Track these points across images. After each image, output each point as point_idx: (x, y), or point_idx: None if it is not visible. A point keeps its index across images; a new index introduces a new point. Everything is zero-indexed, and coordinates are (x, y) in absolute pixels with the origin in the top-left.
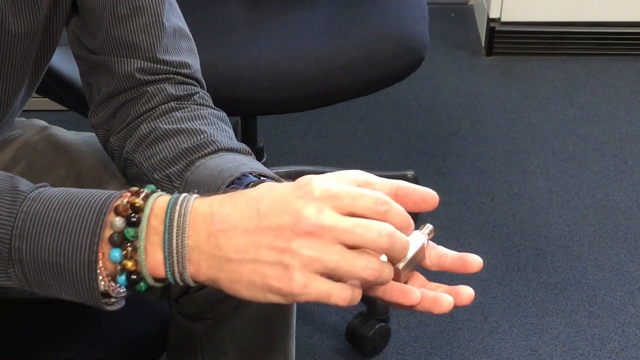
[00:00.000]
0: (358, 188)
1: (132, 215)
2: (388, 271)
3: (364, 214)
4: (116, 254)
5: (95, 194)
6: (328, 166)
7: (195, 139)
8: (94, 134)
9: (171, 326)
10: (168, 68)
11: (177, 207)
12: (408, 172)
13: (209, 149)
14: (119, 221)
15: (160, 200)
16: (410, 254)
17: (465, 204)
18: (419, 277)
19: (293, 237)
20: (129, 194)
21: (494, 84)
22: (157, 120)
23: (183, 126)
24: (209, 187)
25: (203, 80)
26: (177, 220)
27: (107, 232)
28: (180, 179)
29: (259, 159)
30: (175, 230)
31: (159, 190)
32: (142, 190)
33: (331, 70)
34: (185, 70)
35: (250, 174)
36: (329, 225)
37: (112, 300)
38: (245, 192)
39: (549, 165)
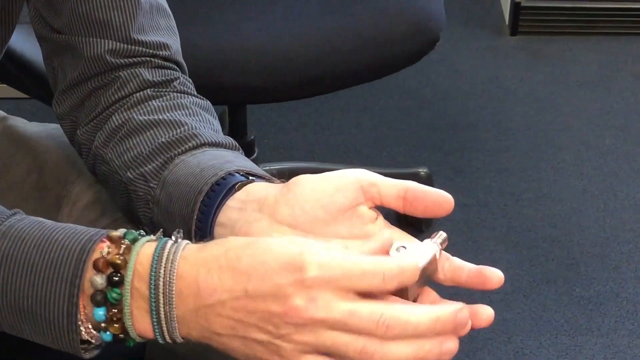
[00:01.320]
0: (363, 260)
1: (114, 273)
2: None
3: (368, 292)
4: (100, 312)
5: (73, 234)
6: (328, 163)
7: (175, 132)
8: (58, 126)
9: (149, 347)
10: (144, 49)
11: (162, 272)
12: (420, 170)
13: (190, 144)
14: (99, 280)
15: (142, 257)
16: (422, 262)
17: (486, 206)
18: (431, 294)
19: (282, 324)
20: (107, 241)
21: (520, 68)
22: (131, 111)
23: (161, 117)
24: (189, 188)
25: (184, 64)
26: (163, 289)
27: (88, 284)
28: (157, 178)
29: (248, 154)
30: (162, 299)
31: (140, 232)
32: (122, 238)
33: (331, 53)
34: (164, 52)
35: (237, 172)
36: (320, 318)
37: (92, 346)
38: (231, 257)
39: (583, 161)
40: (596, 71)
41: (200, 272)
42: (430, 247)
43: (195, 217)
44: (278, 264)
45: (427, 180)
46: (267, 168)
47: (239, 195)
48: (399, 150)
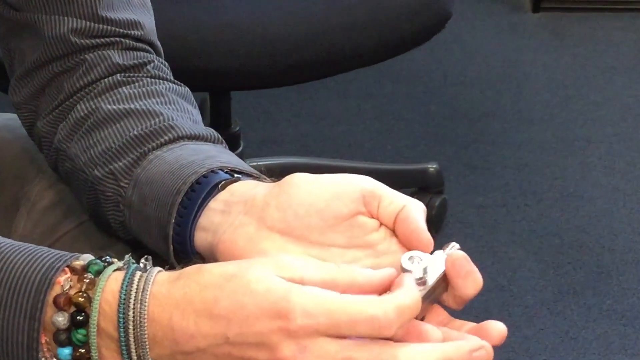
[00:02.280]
0: (354, 306)
1: (77, 312)
2: None
3: (362, 337)
4: (65, 352)
5: (32, 259)
6: (324, 158)
7: (149, 124)
8: (15, 116)
9: None
10: (113, 29)
11: (131, 314)
12: (429, 166)
13: (166, 137)
14: (61, 319)
15: (108, 295)
16: (430, 281)
17: (504, 207)
18: (441, 313)
19: None
20: (68, 272)
21: (543, 50)
22: (99, 99)
23: (132, 106)
24: (165, 188)
25: (159, 45)
26: (134, 332)
27: (49, 321)
28: (128, 176)
29: (233, 147)
30: (133, 343)
31: (105, 259)
32: (84, 270)
33: (328, 32)
34: (136, 32)
35: (221, 169)
36: None
37: None
38: (207, 299)
39: (615, 157)
40: (630, 53)
41: (174, 316)
42: (442, 260)
43: (173, 220)
44: (259, 309)
45: (437, 178)
46: (254, 164)
47: (223, 195)
48: (405, 143)
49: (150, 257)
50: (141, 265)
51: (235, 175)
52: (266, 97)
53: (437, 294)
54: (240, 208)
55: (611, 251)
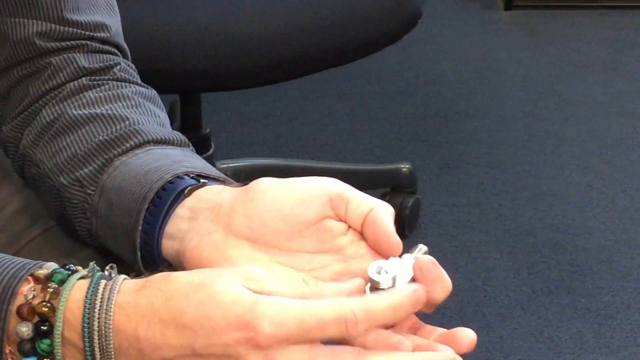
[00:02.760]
0: (323, 309)
1: (41, 322)
2: None
3: (332, 340)
4: None
5: None
6: (296, 159)
7: (114, 129)
8: None
9: None
10: (79, 31)
11: (96, 324)
12: (402, 166)
13: (132, 142)
14: (25, 329)
15: (73, 304)
16: (398, 285)
17: (478, 207)
18: (411, 318)
19: None
20: (32, 282)
21: (515, 48)
22: (64, 103)
23: (98, 111)
24: (132, 195)
25: (126, 47)
26: (99, 342)
27: (13, 331)
28: (94, 183)
29: (204, 150)
30: (98, 353)
31: (69, 267)
32: (48, 279)
33: (299, 32)
34: (102, 34)
35: (187, 175)
36: None
37: None
38: (173, 309)
39: (588, 155)
40: (603, 50)
41: (140, 326)
42: (410, 264)
43: (140, 228)
44: (226, 320)
45: (410, 177)
46: (225, 165)
47: (189, 201)
48: (378, 142)
49: (115, 265)
50: (106, 273)
51: (202, 180)
52: (237, 98)
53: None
54: (207, 215)
55: (585, 250)
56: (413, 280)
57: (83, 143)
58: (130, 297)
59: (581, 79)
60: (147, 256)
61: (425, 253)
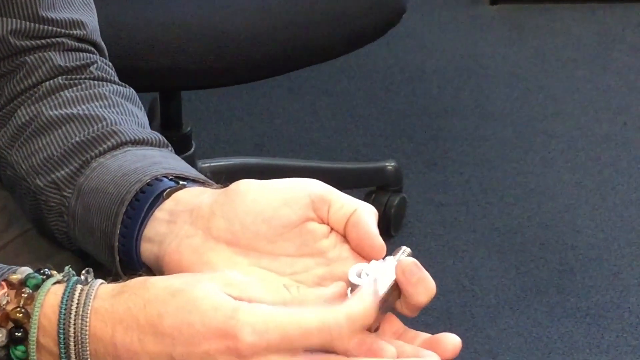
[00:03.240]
0: (305, 317)
1: (16, 328)
2: None
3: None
4: None
5: None
6: (279, 158)
7: (91, 129)
8: None
9: None
10: (54, 29)
11: (72, 330)
12: (388, 164)
13: (110, 143)
14: None
15: (48, 309)
16: (381, 291)
17: (465, 205)
18: (395, 323)
19: None
20: (5, 287)
21: (501, 43)
22: (40, 103)
23: (75, 111)
24: (109, 198)
25: (103, 45)
26: (75, 349)
27: None
28: (71, 186)
29: (185, 149)
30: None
31: (44, 272)
32: (22, 284)
33: (280, 28)
34: (78, 32)
35: (166, 176)
36: None
37: None
38: (151, 315)
39: (577, 152)
40: (590, 45)
41: (117, 332)
42: (392, 269)
43: (118, 232)
44: (206, 327)
45: (395, 176)
46: (207, 165)
47: (168, 204)
48: (362, 140)
49: (91, 270)
50: (82, 277)
51: (181, 182)
52: (218, 96)
53: (390, 303)
54: (186, 218)
55: (574, 248)
56: (395, 282)
57: (59, 144)
58: (107, 302)
59: (569, 74)
60: (125, 260)
61: (408, 255)
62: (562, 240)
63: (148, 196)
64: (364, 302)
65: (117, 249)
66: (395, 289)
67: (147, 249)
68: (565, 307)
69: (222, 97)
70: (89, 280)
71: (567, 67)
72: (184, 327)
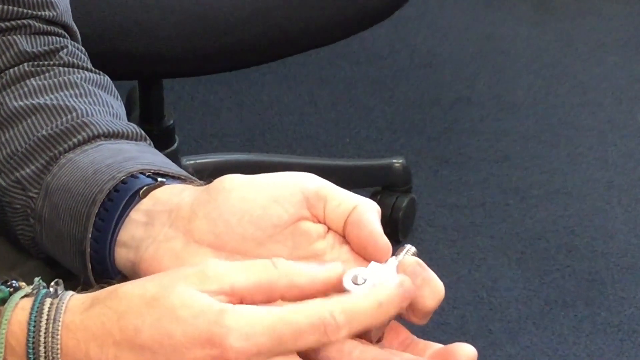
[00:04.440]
0: (297, 314)
1: None
2: None
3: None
4: None
5: None
6: (272, 154)
7: (60, 121)
8: None
9: None
10: (21, 10)
11: (42, 350)
12: (395, 161)
13: (80, 136)
14: None
15: (15, 327)
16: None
17: (482, 207)
18: (401, 332)
19: None
20: None
21: (524, 25)
22: (3, 93)
23: (41, 101)
24: (80, 198)
25: (75, 27)
26: None
27: None
28: (37, 185)
29: (167, 144)
30: None
31: (11, 284)
32: None
33: (273, 8)
34: (48, 12)
35: (143, 173)
36: None
37: None
38: (126, 329)
39: (608, 147)
40: (622, 28)
41: (91, 350)
42: (394, 271)
43: (90, 236)
44: (189, 337)
45: (404, 174)
46: (191, 162)
47: (145, 204)
48: (366, 134)
49: (60, 281)
50: (51, 290)
51: (160, 179)
52: (204, 85)
53: None
54: (165, 219)
55: (605, 255)
56: None
57: (24, 138)
58: (78, 317)
59: (598, 60)
60: (99, 268)
61: (414, 255)
62: (591, 247)
63: (122, 195)
64: (365, 297)
65: (89, 255)
66: None
67: (122, 254)
68: (595, 321)
69: (209, 86)
70: (59, 292)
71: (597, 52)
72: (164, 338)
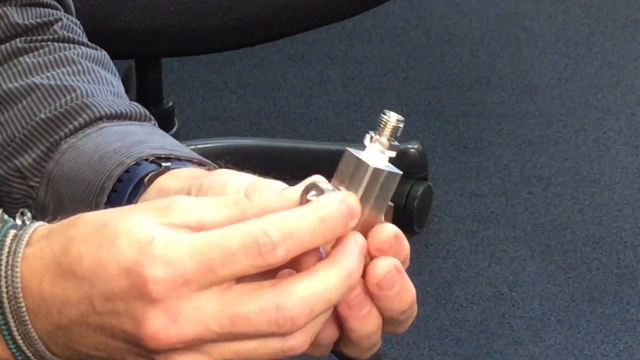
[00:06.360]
0: (228, 234)
1: None
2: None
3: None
4: None
5: None
6: (279, 139)
7: (59, 102)
8: None
9: None
10: None
11: (3, 283)
12: (410, 146)
13: (82, 119)
14: None
15: None
16: (364, 182)
17: (503, 196)
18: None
19: (151, 351)
20: None
21: (548, 0)
22: None
23: (37, 80)
24: (86, 186)
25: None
26: (10, 306)
27: None
28: (38, 173)
29: (166, 128)
30: (11, 319)
31: None
32: None
33: None
34: None
35: (147, 159)
36: (192, 337)
37: None
38: (72, 256)
39: (638, 130)
40: None
41: (44, 283)
42: (377, 153)
43: None
44: (119, 268)
45: (419, 160)
46: (192, 147)
47: (150, 193)
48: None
49: (27, 211)
50: (18, 221)
51: (164, 164)
52: (205, 64)
53: (384, 198)
54: None
55: (635, 247)
56: (391, 177)
57: (21, 123)
58: (37, 246)
59: (629, 37)
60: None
61: (393, 131)
62: (620, 238)
63: (127, 184)
64: (303, 212)
65: None
66: (389, 180)
67: None
68: (624, 318)
69: (210, 66)
70: (27, 223)
71: (626, 29)
72: (100, 269)
